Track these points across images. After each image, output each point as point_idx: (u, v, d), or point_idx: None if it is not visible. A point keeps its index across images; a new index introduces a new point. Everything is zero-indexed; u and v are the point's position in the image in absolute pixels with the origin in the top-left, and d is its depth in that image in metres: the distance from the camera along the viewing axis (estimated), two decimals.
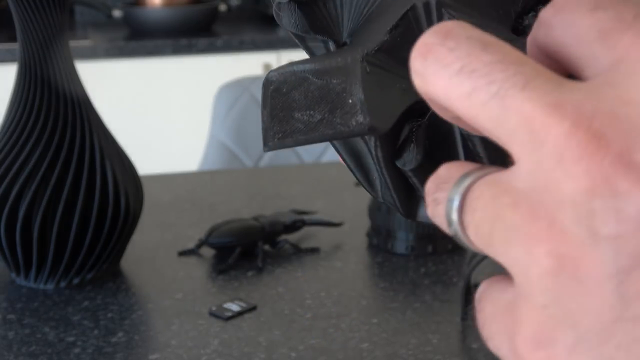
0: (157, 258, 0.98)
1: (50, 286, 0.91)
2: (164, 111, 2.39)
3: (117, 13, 2.62)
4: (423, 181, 0.35)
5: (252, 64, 2.34)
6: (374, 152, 0.34)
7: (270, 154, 1.77)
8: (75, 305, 0.88)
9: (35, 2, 0.84)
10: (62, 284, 0.91)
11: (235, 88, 1.79)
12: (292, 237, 1.03)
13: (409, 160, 0.34)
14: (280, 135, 0.32)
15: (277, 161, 1.76)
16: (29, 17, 0.85)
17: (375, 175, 0.38)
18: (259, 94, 1.79)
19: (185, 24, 2.42)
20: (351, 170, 0.39)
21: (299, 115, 0.32)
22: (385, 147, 0.34)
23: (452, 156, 0.35)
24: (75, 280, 0.92)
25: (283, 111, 0.32)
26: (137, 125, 2.37)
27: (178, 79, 2.37)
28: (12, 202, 0.87)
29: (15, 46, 2.25)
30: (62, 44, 0.88)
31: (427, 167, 0.34)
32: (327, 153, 1.76)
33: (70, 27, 2.62)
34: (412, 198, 0.37)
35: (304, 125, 0.31)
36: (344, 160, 0.39)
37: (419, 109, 0.34)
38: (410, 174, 0.35)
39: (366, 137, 0.34)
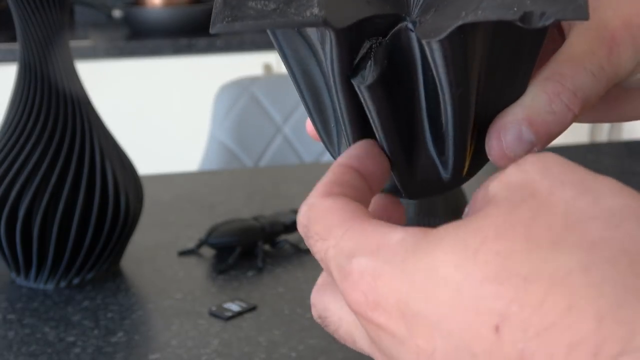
0: (157, 258, 0.98)
1: (50, 286, 0.91)
2: (164, 111, 2.39)
3: (117, 13, 2.62)
4: (377, 103, 0.34)
5: (252, 64, 2.34)
6: (329, 66, 0.33)
7: (270, 153, 1.77)
8: (75, 305, 0.87)
9: (35, 2, 0.84)
10: (62, 284, 0.91)
11: (235, 88, 1.79)
12: (292, 237, 1.03)
13: (365, 77, 0.33)
14: (229, 19, 0.31)
15: (277, 161, 1.76)
16: (29, 17, 0.85)
17: (332, 124, 0.37)
18: (259, 94, 1.79)
19: (185, 24, 2.42)
20: (312, 120, 0.38)
21: (253, 3, 0.31)
22: (342, 61, 0.33)
23: (410, 78, 0.34)
24: (75, 280, 0.92)
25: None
26: (137, 125, 2.37)
27: (178, 79, 2.37)
28: (12, 202, 0.87)
29: (15, 46, 2.24)
30: (62, 44, 0.88)
31: (383, 89, 0.34)
32: (327, 153, 1.76)
33: (70, 27, 2.62)
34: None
35: (256, 12, 0.31)
36: (305, 104, 0.38)
37: (381, 27, 0.33)
38: (365, 93, 0.33)
39: (325, 55, 0.34)
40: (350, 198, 0.33)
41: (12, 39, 2.31)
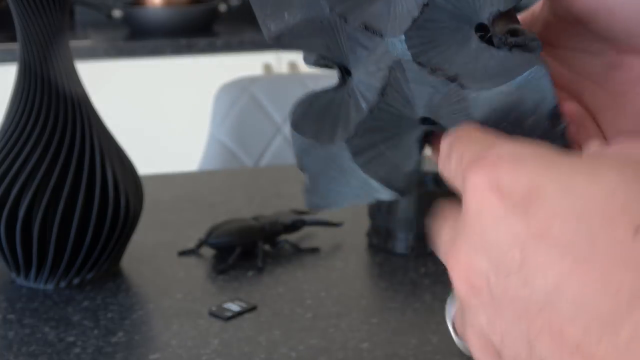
0: (157, 258, 0.98)
1: (50, 286, 0.91)
2: (164, 111, 2.39)
3: (117, 13, 2.61)
4: None
5: (252, 64, 2.34)
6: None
7: (270, 153, 1.77)
8: (75, 305, 0.87)
9: (36, 2, 0.84)
10: (62, 284, 0.91)
11: (235, 88, 1.79)
12: (292, 237, 1.03)
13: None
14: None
15: (277, 161, 1.76)
16: (29, 17, 0.85)
17: None
18: (259, 94, 1.79)
19: (185, 24, 2.42)
20: None
21: None
22: None
23: None
24: (75, 280, 0.92)
25: None
26: (137, 125, 2.37)
27: (178, 79, 2.37)
28: (12, 202, 0.87)
29: (15, 46, 2.24)
30: (62, 44, 0.88)
31: None
32: None
33: (70, 27, 2.62)
34: None
35: None
36: None
37: None
38: None
39: None
40: None
41: (12, 39, 2.31)
